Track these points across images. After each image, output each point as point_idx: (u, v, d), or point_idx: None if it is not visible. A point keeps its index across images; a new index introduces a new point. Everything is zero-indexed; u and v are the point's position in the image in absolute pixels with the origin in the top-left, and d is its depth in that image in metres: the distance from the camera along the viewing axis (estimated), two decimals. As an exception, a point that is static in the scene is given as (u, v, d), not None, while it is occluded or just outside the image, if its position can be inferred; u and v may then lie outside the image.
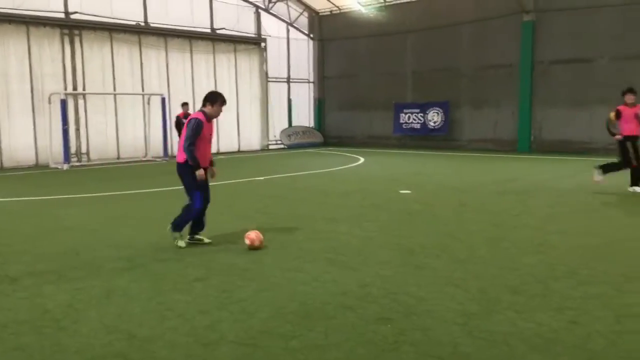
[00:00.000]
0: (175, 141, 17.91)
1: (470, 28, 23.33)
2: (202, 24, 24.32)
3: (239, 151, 25.28)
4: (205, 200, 7.26)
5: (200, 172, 6.99)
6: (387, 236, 7.69)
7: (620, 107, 11.58)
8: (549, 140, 21.58)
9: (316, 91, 29.27)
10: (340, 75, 28.36)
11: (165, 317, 4.72)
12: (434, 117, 24.45)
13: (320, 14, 28.68)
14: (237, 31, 25.44)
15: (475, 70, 23.46)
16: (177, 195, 12.12)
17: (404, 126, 25.48)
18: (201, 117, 7.04)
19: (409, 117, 25.29)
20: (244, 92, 25.82)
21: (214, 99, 7.08)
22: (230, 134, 25.27)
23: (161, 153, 21.61)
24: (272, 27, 27.32)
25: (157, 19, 22.58)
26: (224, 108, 7.30)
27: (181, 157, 7.10)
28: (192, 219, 7.22)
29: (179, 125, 16.67)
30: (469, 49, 23.55)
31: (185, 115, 16.68)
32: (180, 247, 7.08)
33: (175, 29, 23.03)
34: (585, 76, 20.70)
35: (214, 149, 25.63)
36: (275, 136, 27.32)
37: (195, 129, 6.93)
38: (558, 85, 21.28)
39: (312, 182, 13.90)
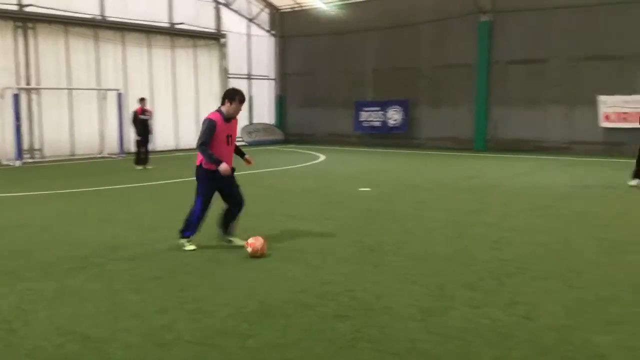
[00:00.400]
0: (132, 137, 17.61)
1: (429, 28, 23.61)
2: (160, 19, 23.94)
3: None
4: (237, 203, 6.90)
5: (223, 167, 6.49)
6: (347, 234, 7.72)
7: None
8: (504, 139, 22.04)
9: (277, 88, 29.18)
10: (301, 73, 28.34)
11: (120, 317, 4.63)
12: (394, 116, 24.68)
13: (281, 10, 28.58)
14: (197, 26, 25.14)
15: (434, 69, 23.77)
16: (133, 192, 11.95)
17: (364, 124, 25.64)
18: (216, 117, 6.57)
19: (369, 115, 25.46)
20: (203, 88, 25.54)
21: (232, 97, 6.57)
22: (189, 130, 24.97)
23: (117, 150, 21.19)
24: (232, 23, 27.11)
25: (114, 13, 22.11)
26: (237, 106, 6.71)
27: (198, 159, 6.71)
28: (195, 220, 6.83)
29: (136, 121, 16.33)
30: (428, 49, 23.85)
31: (143, 111, 16.36)
32: (188, 250, 6.75)
33: (133, 23, 22.60)
34: (539, 76, 21.22)
35: (172, 145, 25.22)
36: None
37: (206, 130, 6.54)
38: (514, 85, 21.76)
39: (272, 180, 13.86)
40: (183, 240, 6.88)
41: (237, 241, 6.94)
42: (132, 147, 18.63)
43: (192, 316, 4.63)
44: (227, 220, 7.00)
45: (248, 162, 7.11)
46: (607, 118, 19.83)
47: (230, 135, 6.74)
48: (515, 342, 4.08)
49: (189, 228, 6.88)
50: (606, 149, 19.95)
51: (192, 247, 6.83)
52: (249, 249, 6.47)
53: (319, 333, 4.26)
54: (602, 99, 19.78)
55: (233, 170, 6.78)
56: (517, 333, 4.25)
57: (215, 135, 6.55)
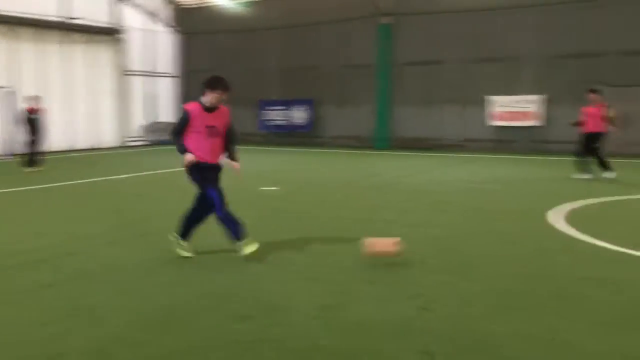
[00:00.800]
0: (22, 138, 16.55)
1: (332, 27, 23.95)
2: (53, 12, 22.64)
3: (95, 148, 23.90)
4: (210, 206, 6.33)
5: (187, 157, 6.01)
6: (251, 234, 7.64)
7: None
8: (405, 138, 22.78)
9: (181, 86, 28.48)
10: (205, 70, 27.64)
11: (6, 328, 4.32)
12: (299, 114, 24.83)
13: (185, 6, 27.92)
14: (93, 21, 24.00)
15: (338, 69, 24.15)
16: (24, 196, 11.22)
17: (269, 123, 25.61)
18: (191, 106, 6.13)
19: (274, 114, 25.46)
20: (100, 85, 24.48)
21: (211, 85, 6.07)
22: (85, 129, 23.86)
23: (5, 151, 19.85)
24: (133, 19, 26.13)
25: (1, 6, 20.66)
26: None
27: None
28: (224, 215, 6.29)
29: (26, 120, 15.35)
30: (332, 48, 24.20)
31: (34, 110, 15.41)
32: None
33: (22, 17, 21.22)
34: (436, 77, 22.13)
35: (67, 146, 23.88)
36: (136, 132, 26.19)
37: (179, 120, 6.14)
38: (413, 85, 22.55)
39: (175, 180, 13.50)
40: (241, 243, 6.22)
41: (184, 251, 6.36)
42: (22, 148, 17.52)
43: (86, 325, 4.40)
44: (191, 223, 6.44)
45: (236, 170, 6.60)
46: (496, 117, 21.04)
47: (214, 127, 6.18)
48: (415, 334, 4.21)
49: (227, 222, 6.29)
50: (496, 146, 21.14)
51: (254, 246, 6.20)
52: (371, 249, 6.08)
53: (221, 336, 4.19)
54: (492, 98, 20.97)
55: (219, 168, 6.37)
56: (417, 325, 4.38)
57: (191, 126, 6.09)
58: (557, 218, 8.53)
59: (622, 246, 6.71)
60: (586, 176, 12.96)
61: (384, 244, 6.15)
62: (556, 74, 19.98)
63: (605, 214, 9.16)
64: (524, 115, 20.56)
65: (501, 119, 20.99)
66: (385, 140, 23.02)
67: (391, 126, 23.13)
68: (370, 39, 23.07)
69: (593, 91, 13.30)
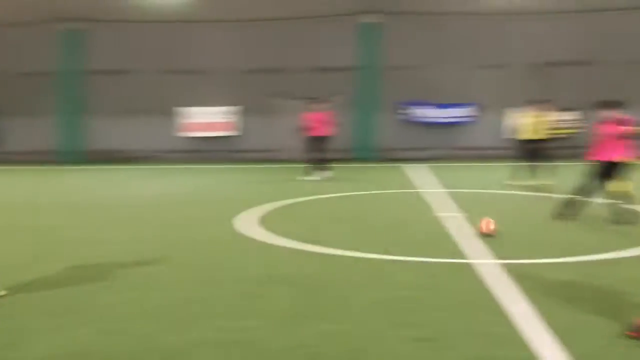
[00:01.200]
0: None
1: (8, 32, 21.36)
2: None
3: None
4: None
5: None
6: None
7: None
8: (99, 150, 21.62)
9: None
10: None
11: None
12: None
13: None
14: None
15: (14, 77, 21.68)
16: None
17: None
18: None
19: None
20: None
21: None
22: None
23: None
24: None
25: None
26: None
27: None
28: None
29: None
30: (5, 55, 21.62)
31: None
32: None
33: None
34: (130, 87, 21.56)
35: None
36: None
37: None
38: (106, 95, 21.60)
39: None
40: None
41: None
42: None
43: None
44: None
45: None
46: (191, 128, 21.54)
47: None
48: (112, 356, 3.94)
49: None
50: (193, 156, 21.52)
51: None
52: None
53: None
54: (187, 110, 21.41)
55: None
56: (99, 350, 4.12)
57: None
58: (248, 221, 9.02)
59: (304, 242, 7.41)
60: (315, 178, 14.06)
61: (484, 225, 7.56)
62: (249, 87, 21.24)
63: (295, 214, 10.04)
64: (219, 126, 21.42)
65: (196, 129, 21.51)
66: (78, 153, 21.48)
67: (84, 138, 21.73)
68: (52, 45, 21.29)
69: (318, 100, 14.60)
